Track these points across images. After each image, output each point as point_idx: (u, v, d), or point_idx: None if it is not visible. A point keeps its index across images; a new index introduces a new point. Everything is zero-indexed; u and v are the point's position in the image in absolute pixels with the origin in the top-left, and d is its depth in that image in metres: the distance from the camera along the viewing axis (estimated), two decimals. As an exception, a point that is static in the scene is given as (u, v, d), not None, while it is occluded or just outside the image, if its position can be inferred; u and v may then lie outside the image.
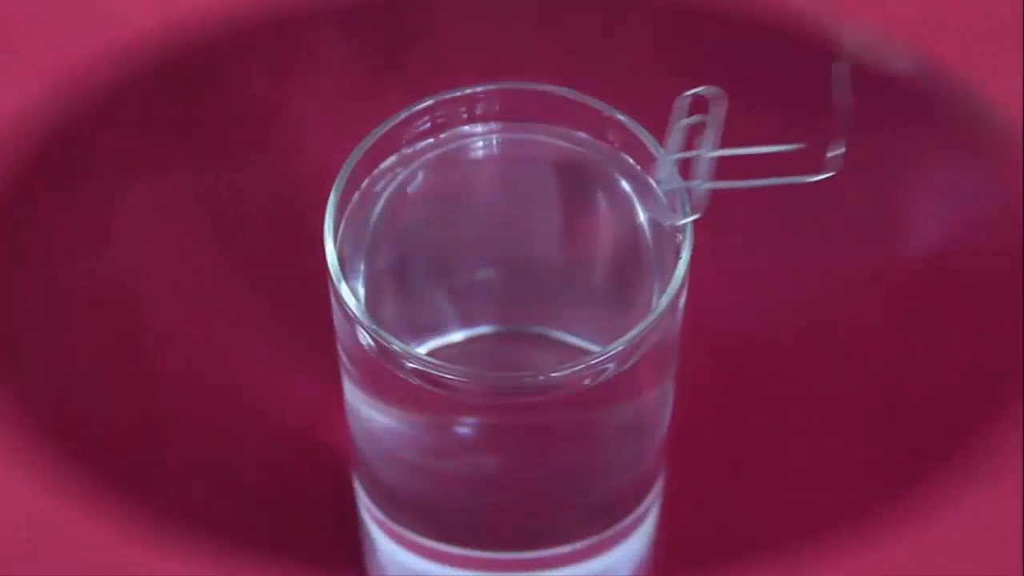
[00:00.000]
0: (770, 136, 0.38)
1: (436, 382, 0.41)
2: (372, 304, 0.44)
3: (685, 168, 0.39)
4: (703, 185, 0.39)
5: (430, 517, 0.48)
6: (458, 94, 0.44)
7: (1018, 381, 0.59)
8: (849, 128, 0.36)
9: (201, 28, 0.65)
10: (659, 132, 0.42)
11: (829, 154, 0.36)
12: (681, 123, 0.39)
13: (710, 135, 0.38)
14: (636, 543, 0.51)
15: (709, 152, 0.38)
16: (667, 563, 0.56)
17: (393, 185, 0.45)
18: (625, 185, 0.44)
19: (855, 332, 0.60)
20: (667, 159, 0.39)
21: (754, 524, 0.57)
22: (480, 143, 0.45)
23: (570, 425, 0.45)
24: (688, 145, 0.39)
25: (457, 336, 0.46)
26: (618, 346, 0.41)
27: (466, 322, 0.47)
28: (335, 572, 0.56)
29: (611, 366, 0.41)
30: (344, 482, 0.54)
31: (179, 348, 0.59)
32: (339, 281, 0.41)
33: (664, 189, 0.39)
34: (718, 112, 0.38)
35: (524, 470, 0.47)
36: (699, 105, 0.39)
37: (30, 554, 0.56)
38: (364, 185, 0.44)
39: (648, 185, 0.44)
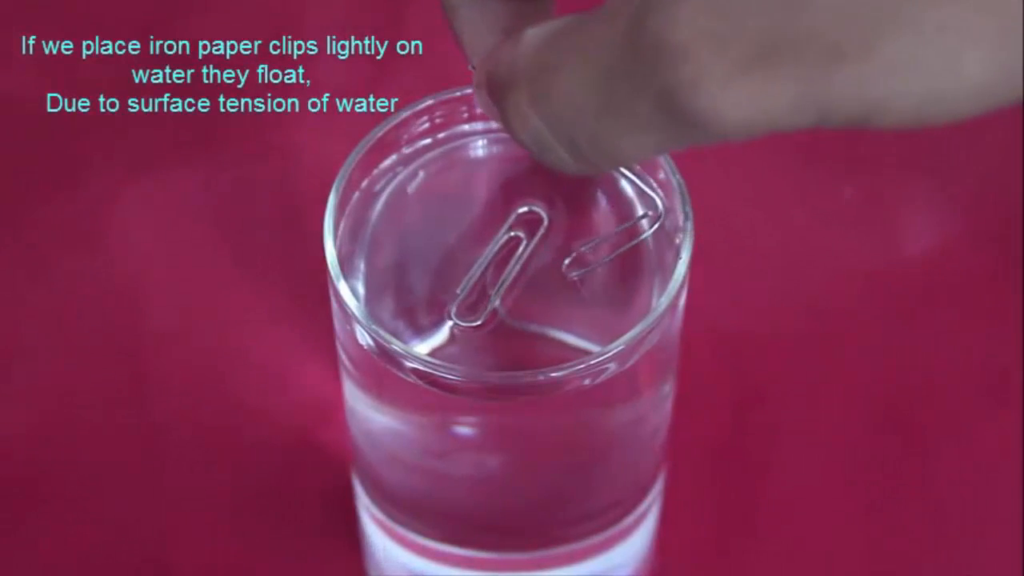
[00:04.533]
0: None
1: (436, 382, 0.41)
2: (372, 303, 0.44)
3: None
4: (496, 298, 0.43)
5: (430, 517, 0.48)
6: (458, 94, 0.44)
7: (1018, 381, 0.59)
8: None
9: (201, 27, 0.65)
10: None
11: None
12: (503, 237, 0.44)
13: (523, 251, 0.43)
14: (636, 543, 0.51)
15: (513, 269, 0.43)
16: (667, 563, 0.56)
17: (393, 185, 0.45)
18: (625, 185, 0.44)
19: (855, 332, 0.60)
20: (480, 266, 0.43)
21: (754, 524, 0.57)
22: (480, 143, 0.45)
23: (570, 425, 0.45)
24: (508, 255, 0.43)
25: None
26: (618, 346, 0.40)
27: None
28: (335, 572, 0.56)
29: (611, 366, 0.41)
30: (344, 482, 0.54)
31: (179, 348, 0.60)
32: (339, 280, 0.41)
33: (464, 289, 0.43)
34: (537, 232, 0.44)
35: (524, 470, 0.47)
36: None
37: (30, 553, 0.56)
38: (364, 185, 0.44)
39: (649, 185, 0.44)
